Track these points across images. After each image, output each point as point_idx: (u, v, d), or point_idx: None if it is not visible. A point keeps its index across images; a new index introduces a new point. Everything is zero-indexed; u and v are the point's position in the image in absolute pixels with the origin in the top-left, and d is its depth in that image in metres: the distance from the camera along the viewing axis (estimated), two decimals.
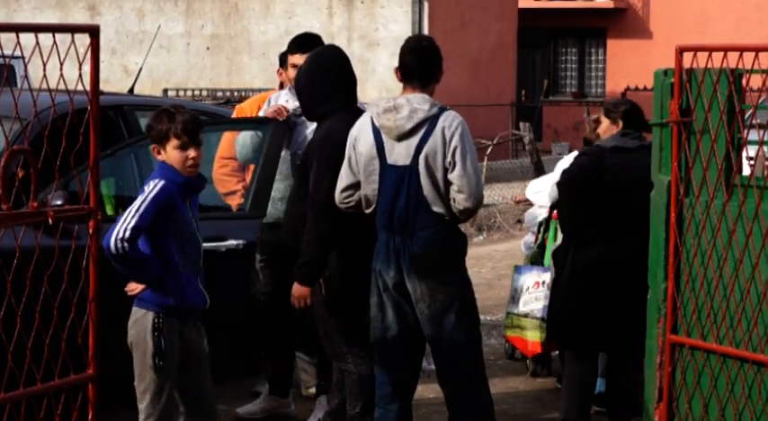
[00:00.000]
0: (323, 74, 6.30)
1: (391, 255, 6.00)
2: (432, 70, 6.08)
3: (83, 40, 4.48)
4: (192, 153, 5.39)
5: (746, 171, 5.54)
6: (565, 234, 7.02)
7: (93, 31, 4.51)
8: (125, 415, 7.13)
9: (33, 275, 4.51)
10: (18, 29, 4.37)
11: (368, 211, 6.06)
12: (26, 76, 4.49)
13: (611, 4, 31.21)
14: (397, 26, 22.24)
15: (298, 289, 6.20)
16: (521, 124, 24.63)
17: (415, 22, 22.20)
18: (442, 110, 5.98)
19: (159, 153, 5.43)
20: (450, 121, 5.95)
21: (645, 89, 28.64)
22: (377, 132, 5.99)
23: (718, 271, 5.46)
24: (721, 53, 5.34)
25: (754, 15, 29.74)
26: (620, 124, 6.97)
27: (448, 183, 5.94)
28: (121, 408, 7.18)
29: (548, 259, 7.96)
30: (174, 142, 5.39)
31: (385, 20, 22.37)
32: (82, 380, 4.64)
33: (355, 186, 6.07)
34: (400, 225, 5.97)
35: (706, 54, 5.42)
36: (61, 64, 4.39)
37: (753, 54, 5.21)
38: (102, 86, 4.87)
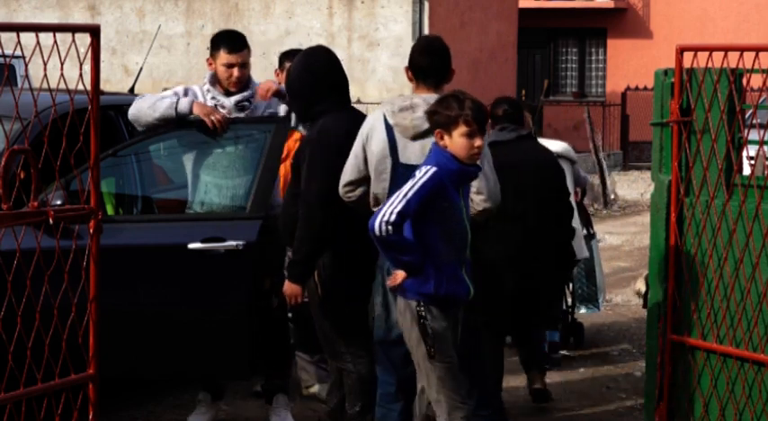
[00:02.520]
0: (313, 74, 6.30)
1: None
2: (445, 70, 6.10)
3: (83, 39, 4.49)
4: (477, 141, 5.29)
5: (747, 171, 5.55)
6: None
7: (94, 31, 4.51)
8: (125, 415, 7.14)
9: (34, 275, 4.50)
10: (19, 28, 4.37)
11: (376, 210, 6.05)
12: (27, 76, 4.49)
13: (611, 4, 31.21)
14: (397, 26, 22.22)
15: (289, 287, 6.21)
16: None
17: (415, 22, 22.19)
18: None
19: (442, 138, 5.33)
20: None
21: (645, 89, 28.65)
22: (389, 130, 5.97)
23: (718, 271, 5.46)
24: (721, 53, 5.34)
25: (754, 15, 29.74)
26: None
27: None
28: (121, 408, 7.19)
29: None
30: (462, 129, 5.28)
31: (385, 20, 22.36)
32: (82, 379, 4.64)
33: (358, 182, 6.05)
34: None
35: (706, 54, 5.43)
36: (62, 64, 4.39)
37: (753, 54, 5.22)
38: (103, 86, 4.87)
